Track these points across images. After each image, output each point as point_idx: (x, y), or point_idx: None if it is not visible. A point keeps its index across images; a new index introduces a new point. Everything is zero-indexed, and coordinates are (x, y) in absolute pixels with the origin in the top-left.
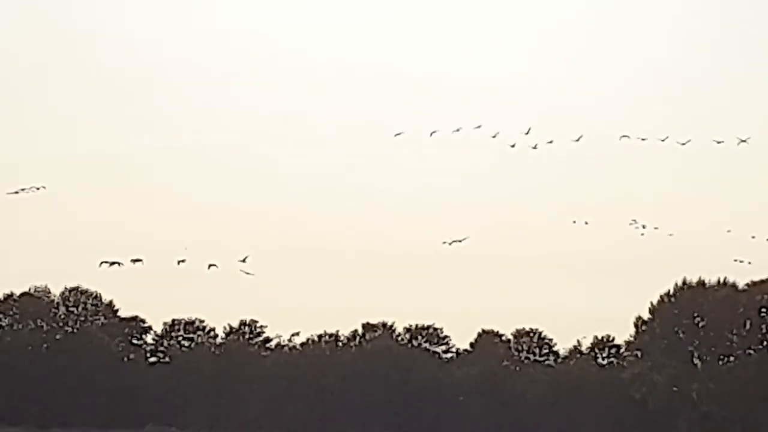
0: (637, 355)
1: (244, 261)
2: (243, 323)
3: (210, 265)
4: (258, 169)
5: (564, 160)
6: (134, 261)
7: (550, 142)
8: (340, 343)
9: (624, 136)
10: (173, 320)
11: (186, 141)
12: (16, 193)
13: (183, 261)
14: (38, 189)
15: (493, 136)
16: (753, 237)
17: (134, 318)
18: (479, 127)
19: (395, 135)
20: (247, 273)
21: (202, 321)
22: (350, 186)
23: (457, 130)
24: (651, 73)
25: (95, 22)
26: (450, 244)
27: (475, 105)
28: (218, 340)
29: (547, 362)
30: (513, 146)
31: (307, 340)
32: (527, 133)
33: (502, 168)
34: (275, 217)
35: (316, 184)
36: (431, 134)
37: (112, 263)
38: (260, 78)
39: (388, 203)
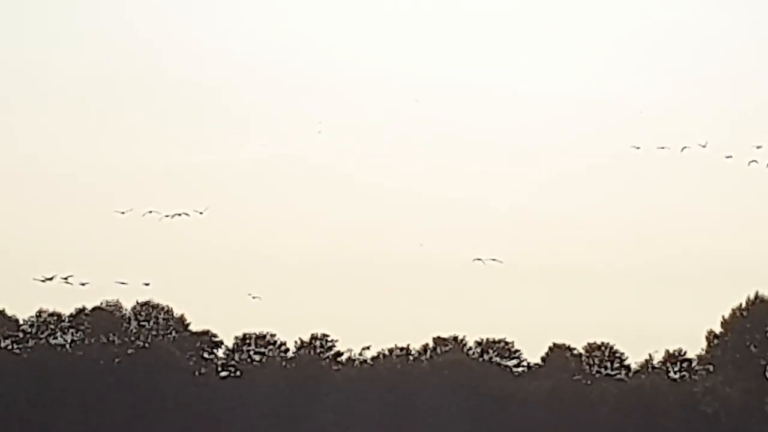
0: (708, 369)
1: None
2: (314, 337)
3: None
4: (326, 180)
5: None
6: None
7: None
8: (411, 357)
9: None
10: (244, 334)
11: (253, 153)
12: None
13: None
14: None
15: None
16: None
17: (206, 332)
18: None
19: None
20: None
21: (273, 335)
22: (420, 198)
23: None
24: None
25: (162, 31)
26: (483, 261)
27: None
28: (289, 354)
29: (618, 376)
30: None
31: (378, 353)
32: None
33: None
34: (345, 230)
35: (386, 197)
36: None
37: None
38: (329, 88)
39: (457, 214)
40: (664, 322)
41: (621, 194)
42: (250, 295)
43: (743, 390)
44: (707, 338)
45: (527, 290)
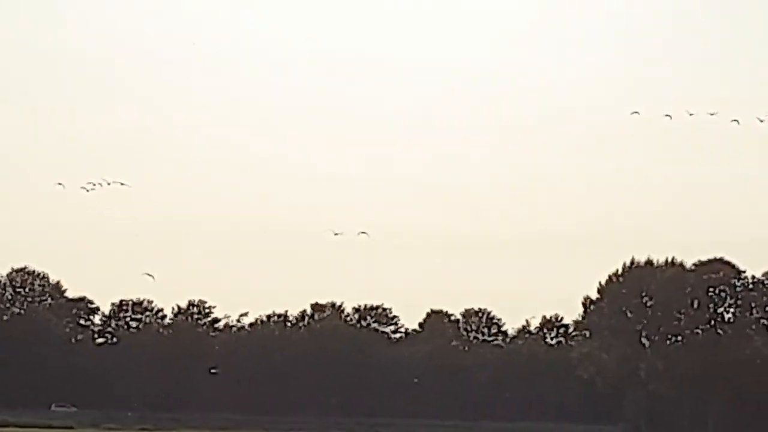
0: (585, 335)
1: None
2: (191, 304)
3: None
4: (209, 149)
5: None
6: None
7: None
8: (289, 323)
9: (634, 112)
10: (121, 301)
11: (142, 123)
12: None
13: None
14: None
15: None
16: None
17: (82, 299)
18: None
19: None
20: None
21: (150, 301)
22: (302, 167)
23: None
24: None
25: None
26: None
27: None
28: (166, 320)
29: (495, 342)
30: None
31: (256, 320)
32: None
33: (463, 149)
34: (225, 199)
35: (269, 166)
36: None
37: None
38: (223, 60)
39: (333, 186)
40: (540, 288)
41: (501, 164)
42: (146, 274)
43: (619, 355)
44: (583, 304)
45: (406, 257)
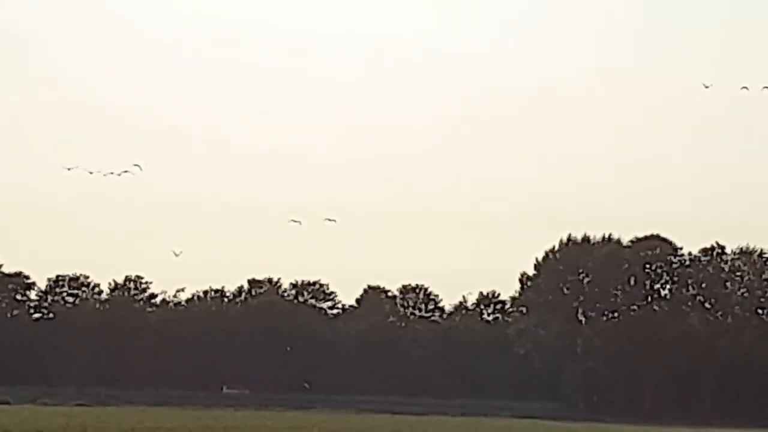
0: (522, 311)
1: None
2: (128, 279)
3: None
4: (138, 124)
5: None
6: None
7: None
8: (226, 299)
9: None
10: (57, 276)
11: (61, 97)
12: None
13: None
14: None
15: None
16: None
17: (18, 274)
18: None
19: None
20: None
21: (87, 277)
22: (235, 142)
23: None
24: None
25: None
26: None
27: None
28: (103, 296)
29: (432, 318)
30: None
31: (193, 295)
32: None
33: (398, 124)
34: (160, 172)
35: (198, 140)
36: None
37: None
38: (139, 31)
39: (268, 162)
40: (478, 264)
41: (439, 141)
42: (173, 252)
43: (555, 331)
44: (520, 280)
45: (342, 233)
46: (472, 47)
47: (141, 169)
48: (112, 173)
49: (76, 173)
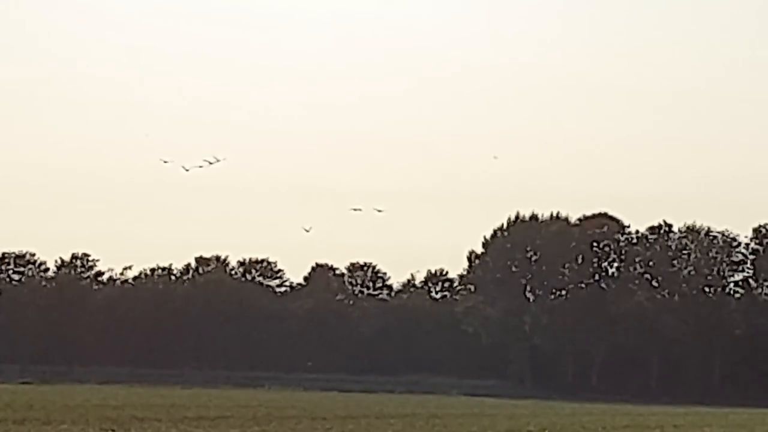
0: (470, 289)
1: None
2: (75, 256)
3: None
4: (97, 98)
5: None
6: None
7: None
8: (174, 277)
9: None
10: (3, 253)
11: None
12: None
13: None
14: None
15: None
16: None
17: None
18: None
19: None
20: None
21: (32, 254)
22: (181, 116)
23: None
24: None
25: None
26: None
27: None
28: (49, 273)
29: (380, 296)
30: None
31: (141, 273)
32: None
33: (349, 101)
34: (107, 148)
35: (151, 114)
36: None
37: None
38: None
39: (217, 136)
40: (426, 242)
41: (388, 117)
42: (304, 228)
43: (503, 309)
44: (468, 258)
45: (291, 210)
46: (429, 25)
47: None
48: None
49: (23, 148)
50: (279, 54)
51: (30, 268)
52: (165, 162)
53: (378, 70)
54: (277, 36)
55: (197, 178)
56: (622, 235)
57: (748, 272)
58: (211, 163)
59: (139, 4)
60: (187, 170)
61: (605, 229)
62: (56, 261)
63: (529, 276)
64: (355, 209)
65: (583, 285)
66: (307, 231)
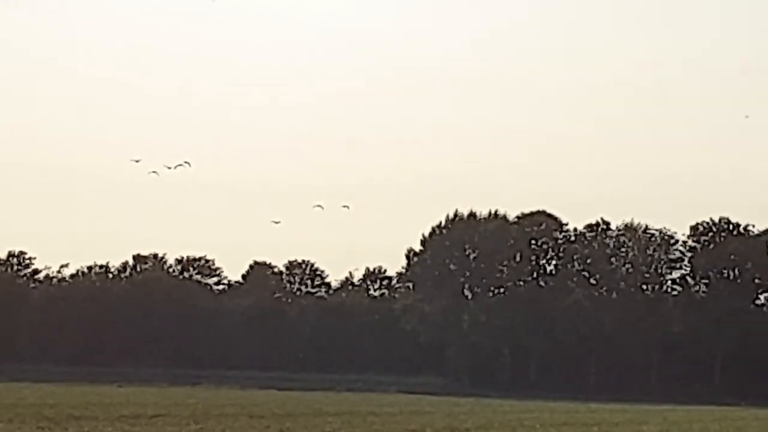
0: (408, 287)
1: None
2: (11, 254)
3: None
4: (31, 92)
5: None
6: None
7: None
8: (111, 275)
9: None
10: None
11: None
12: None
13: None
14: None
15: None
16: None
17: None
18: None
19: None
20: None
21: None
22: (119, 111)
23: None
24: None
25: None
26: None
27: None
28: None
29: (318, 294)
30: None
31: (77, 271)
32: None
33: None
34: (44, 143)
35: (87, 109)
36: None
37: None
38: None
39: (157, 131)
40: (364, 240)
41: (325, 114)
42: (273, 222)
43: (442, 307)
44: (407, 256)
45: (229, 208)
46: (373, 23)
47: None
48: None
49: None
50: (229, 49)
51: None
52: (136, 161)
53: (320, 68)
54: (242, 35)
55: (134, 176)
56: (560, 233)
57: (685, 270)
58: (169, 168)
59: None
60: (155, 173)
61: (543, 226)
62: None
63: (468, 274)
64: (317, 206)
65: (521, 283)
66: (277, 223)
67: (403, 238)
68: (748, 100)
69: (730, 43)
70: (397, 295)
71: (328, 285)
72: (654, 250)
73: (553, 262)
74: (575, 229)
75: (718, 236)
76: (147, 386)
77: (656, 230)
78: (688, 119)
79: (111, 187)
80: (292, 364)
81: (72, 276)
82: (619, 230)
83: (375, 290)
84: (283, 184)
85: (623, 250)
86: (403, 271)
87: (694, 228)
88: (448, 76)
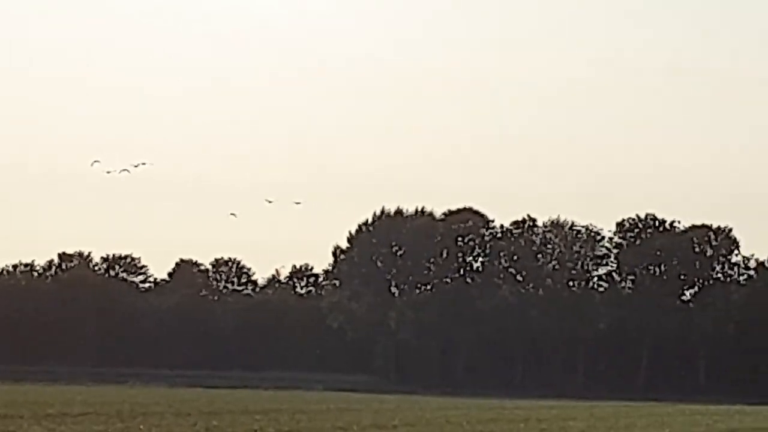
0: (335, 284)
1: None
2: None
3: None
4: None
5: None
6: None
7: None
8: (36, 273)
9: None
10: None
11: None
12: None
13: None
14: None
15: None
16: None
17: None
18: None
19: None
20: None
21: None
22: (47, 106)
23: None
24: None
25: None
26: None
27: None
28: None
29: (245, 291)
30: None
31: (2, 270)
32: None
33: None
34: None
35: (16, 107)
36: None
37: None
38: None
39: (77, 127)
40: (290, 237)
41: (254, 107)
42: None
43: (368, 304)
44: (334, 254)
45: (154, 205)
46: (301, 17)
47: None
48: None
49: None
50: (156, 48)
51: None
52: (95, 162)
53: (248, 61)
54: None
55: (59, 173)
56: (486, 230)
57: (611, 266)
58: (125, 169)
59: None
60: (108, 173)
61: (470, 223)
62: None
63: (395, 271)
64: (268, 201)
65: (448, 280)
66: (234, 216)
67: (330, 235)
68: (671, 97)
69: (662, 42)
70: (323, 293)
71: (255, 283)
72: (580, 247)
73: (480, 258)
74: (502, 226)
75: (644, 232)
76: (73, 385)
77: (582, 227)
78: (615, 116)
79: (35, 185)
80: (219, 362)
81: None
82: (546, 227)
83: (302, 288)
84: (208, 181)
85: (550, 246)
86: (330, 268)
87: (620, 224)
88: (369, 73)
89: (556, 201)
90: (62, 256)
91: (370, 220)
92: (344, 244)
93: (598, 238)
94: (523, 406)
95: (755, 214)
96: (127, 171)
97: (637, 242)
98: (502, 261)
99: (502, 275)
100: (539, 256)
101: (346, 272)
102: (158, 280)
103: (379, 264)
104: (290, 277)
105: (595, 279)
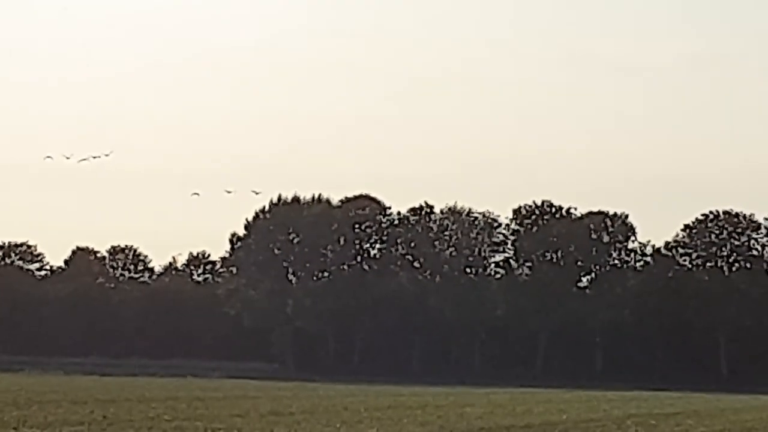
0: (232, 272)
1: None
2: None
3: None
4: None
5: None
6: None
7: None
8: None
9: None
10: None
11: None
12: None
13: None
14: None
15: None
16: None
17: None
18: None
19: None
20: None
21: None
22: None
23: None
24: None
25: None
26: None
27: None
28: None
29: (142, 279)
30: None
31: None
32: None
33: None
34: None
35: None
36: None
37: None
38: None
39: None
40: (187, 225)
41: (153, 96)
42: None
43: (266, 291)
44: (231, 241)
45: (50, 192)
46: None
47: None
48: None
49: None
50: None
51: None
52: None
53: (151, 50)
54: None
55: None
56: (383, 217)
57: (508, 253)
58: (95, 158)
59: None
60: (68, 158)
61: (367, 210)
62: None
63: (292, 258)
64: (228, 191)
65: (345, 267)
66: (197, 194)
67: (227, 222)
68: (566, 84)
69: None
70: (220, 280)
71: (152, 270)
72: (477, 234)
73: (377, 245)
74: (399, 213)
75: (541, 219)
76: None
77: (480, 213)
78: (510, 102)
79: None
80: (116, 350)
81: None
82: (443, 213)
83: (199, 275)
84: (104, 168)
85: (447, 233)
86: (227, 255)
87: (516, 211)
88: (264, 56)
89: (453, 188)
90: None
91: (267, 207)
92: (241, 231)
93: (496, 224)
94: (420, 392)
95: (651, 201)
96: (88, 158)
97: (534, 229)
98: (400, 248)
99: (399, 262)
100: (436, 243)
101: (243, 259)
102: (54, 268)
103: (276, 251)
104: (187, 265)
105: (493, 266)
